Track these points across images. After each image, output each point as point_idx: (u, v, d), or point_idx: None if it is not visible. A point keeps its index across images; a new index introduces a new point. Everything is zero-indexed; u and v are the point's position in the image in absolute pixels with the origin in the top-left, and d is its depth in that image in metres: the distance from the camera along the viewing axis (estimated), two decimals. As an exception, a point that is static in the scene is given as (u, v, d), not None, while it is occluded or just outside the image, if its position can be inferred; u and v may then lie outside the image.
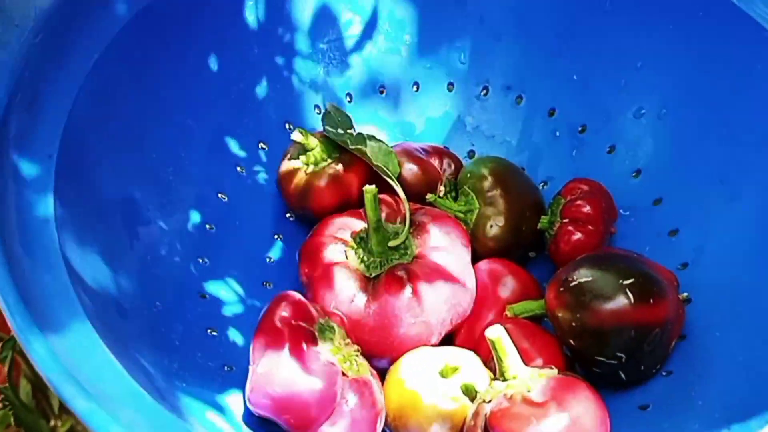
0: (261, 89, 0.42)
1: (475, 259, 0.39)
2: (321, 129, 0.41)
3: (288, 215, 0.42)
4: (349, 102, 0.45)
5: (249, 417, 0.31)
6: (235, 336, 0.35)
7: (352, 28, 0.44)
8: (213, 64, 0.40)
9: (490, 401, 0.29)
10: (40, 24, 0.31)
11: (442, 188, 0.42)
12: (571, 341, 0.33)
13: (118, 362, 0.26)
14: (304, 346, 0.30)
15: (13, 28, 0.31)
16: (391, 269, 0.35)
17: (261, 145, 0.43)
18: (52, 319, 0.26)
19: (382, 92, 0.45)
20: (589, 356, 0.33)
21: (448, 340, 0.37)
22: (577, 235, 0.38)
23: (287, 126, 0.43)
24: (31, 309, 0.25)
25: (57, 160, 0.30)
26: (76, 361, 0.25)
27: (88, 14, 0.33)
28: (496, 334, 0.30)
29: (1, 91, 0.29)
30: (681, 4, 0.38)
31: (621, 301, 0.32)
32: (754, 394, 0.28)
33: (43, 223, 0.28)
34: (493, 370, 0.32)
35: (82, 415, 0.23)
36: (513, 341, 0.32)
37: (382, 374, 0.34)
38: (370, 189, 0.35)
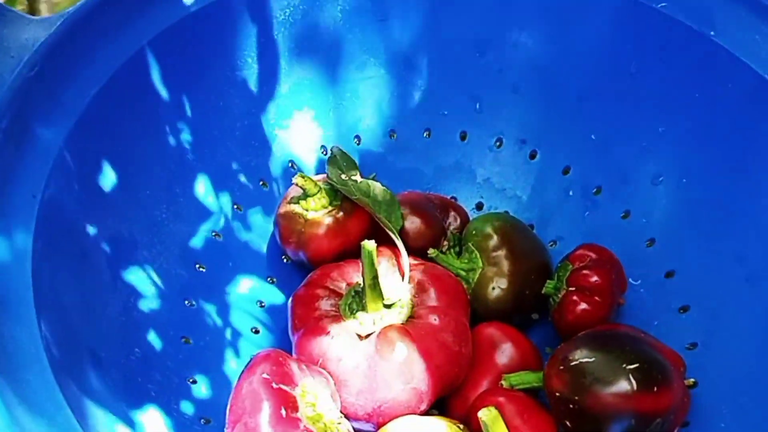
0: (266, 127, 0.41)
1: (475, 319, 0.37)
2: (325, 173, 0.40)
3: (283, 258, 0.41)
4: (358, 144, 0.44)
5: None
6: (216, 386, 0.34)
7: (365, 70, 0.43)
8: (218, 99, 0.39)
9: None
10: (37, 57, 0.30)
11: (446, 243, 0.40)
12: (568, 423, 0.31)
13: (77, 424, 0.24)
14: (283, 412, 0.29)
15: (8, 59, 0.30)
16: (384, 329, 0.34)
17: (261, 183, 0.41)
18: (14, 374, 0.24)
19: (392, 136, 0.44)
20: (586, 441, 0.31)
21: (439, 402, 0.35)
22: (583, 306, 0.36)
23: (291, 166, 0.42)
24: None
25: (41, 201, 0.29)
26: (33, 420, 0.23)
27: (89, 48, 0.32)
28: (489, 415, 0.28)
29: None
30: (709, 73, 0.36)
31: (623, 387, 0.30)
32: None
33: (19, 268, 0.27)
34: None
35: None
36: (506, 416, 0.30)
37: (366, 439, 0.33)
38: (368, 246, 0.33)
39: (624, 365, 0.30)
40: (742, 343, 0.34)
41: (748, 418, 0.31)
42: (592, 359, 0.31)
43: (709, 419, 0.33)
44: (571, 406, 0.31)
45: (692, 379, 0.33)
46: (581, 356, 0.31)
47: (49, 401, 0.24)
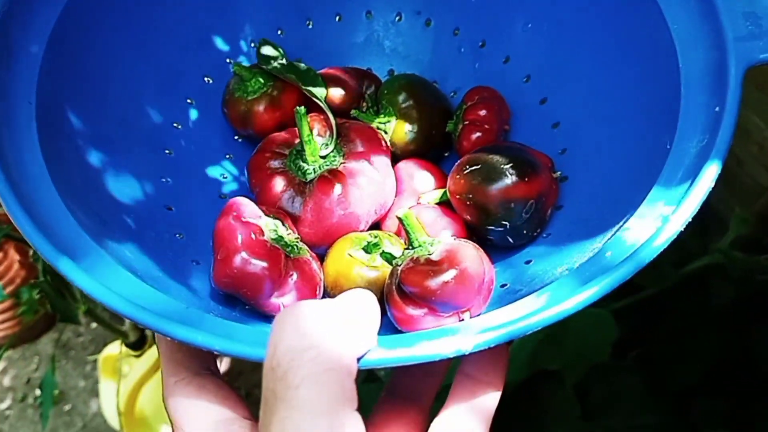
0: (203, 32, 0.49)
1: (395, 161, 0.47)
2: (256, 62, 0.48)
3: (236, 137, 0.50)
4: (281, 35, 0.51)
5: (215, 294, 0.39)
6: (199, 237, 0.43)
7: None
8: (159, 13, 0.46)
9: (401, 265, 0.37)
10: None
11: (364, 105, 0.49)
12: (468, 216, 0.41)
13: (108, 256, 0.34)
14: (253, 236, 0.38)
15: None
16: (322, 173, 0.43)
17: (206, 79, 0.49)
18: (54, 229, 0.33)
19: (308, 24, 0.52)
20: (482, 227, 0.41)
21: (375, 227, 0.45)
22: (476, 134, 0.46)
23: (228, 60, 0.50)
24: (38, 224, 0.33)
25: (36, 106, 0.37)
26: (76, 254, 0.32)
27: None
28: (404, 213, 0.38)
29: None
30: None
31: (503, 182, 0.40)
32: (597, 242, 0.36)
33: (33, 161, 0.35)
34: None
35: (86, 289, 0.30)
36: (423, 219, 0.40)
37: (321, 258, 0.43)
38: (299, 109, 0.42)
39: (502, 166, 0.40)
40: (596, 143, 0.44)
41: (600, 195, 0.41)
42: (479, 165, 0.41)
43: (576, 201, 0.43)
44: (468, 203, 0.41)
45: (559, 173, 0.43)
46: (471, 165, 0.41)
47: (82, 239, 0.33)
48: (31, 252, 1.17)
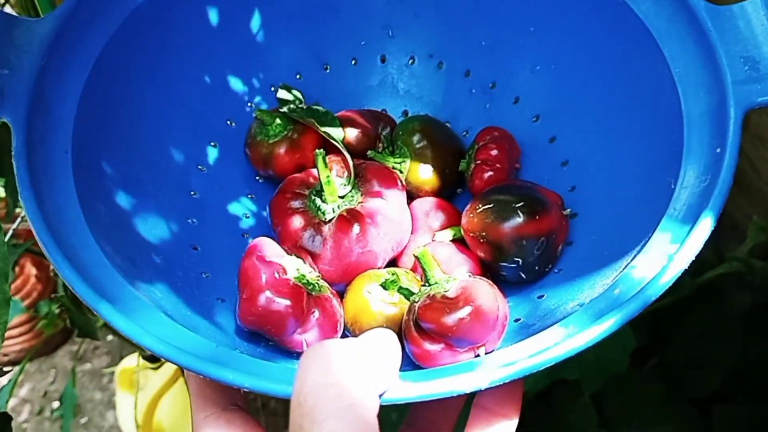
0: (225, 77, 0.51)
1: (411, 200, 0.49)
2: (276, 105, 0.50)
3: (257, 178, 0.52)
4: (300, 79, 0.54)
5: (240, 331, 0.41)
6: (224, 276, 0.44)
7: (296, 19, 0.53)
8: (184, 62, 0.49)
9: (418, 301, 0.39)
10: (44, 48, 0.40)
11: (380, 145, 0.51)
12: (481, 253, 0.43)
13: (140, 295, 0.36)
14: (276, 275, 0.40)
15: (23, 54, 0.40)
16: (341, 214, 0.45)
17: (229, 122, 0.52)
18: (89, 270, 0.35)
19: (326, 69, 0.54)
20: (495, 263, 0.43)
21: (392, 264, 0.47)
22: (488, 173, 0.48)
23: (249, 104, 0.52)
24: (77, 268, 0.35)
25: (72, 154, 0.39)
26: (113, 297, 0.34)
27: (80, 33, 0.42)
28: (421, 251, 0.40)
29: (23, 107, 0.39)
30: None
31: (514, 220, 0.42)
32: (608, 279, 0.38)
33: (70, 207, 0.38)
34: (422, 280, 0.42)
35: (121, 329, 0.32)
36: (441, 257, 0.42)
37: (341, 295, 0.44)
38: (319, 152, 0.44)
39: (514, 205, 0.42)
40: (604, 181, 0.45)
41: (609, 231, 0.43)
42: (492, 204, 0.43)
43: (586, 237, 0.44)
44: (481, 240, 0.43)
45: (569, 210, 0.45)
46: (484, 204, 0.43)
47: (113, 279, 0.35)
48: (51, 267, 1.20)
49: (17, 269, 1.25)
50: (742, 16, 0.39)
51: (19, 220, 0.83)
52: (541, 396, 0.79)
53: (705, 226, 0.34)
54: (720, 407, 0.78)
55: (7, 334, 1.26)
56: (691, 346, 0.82)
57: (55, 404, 1.31)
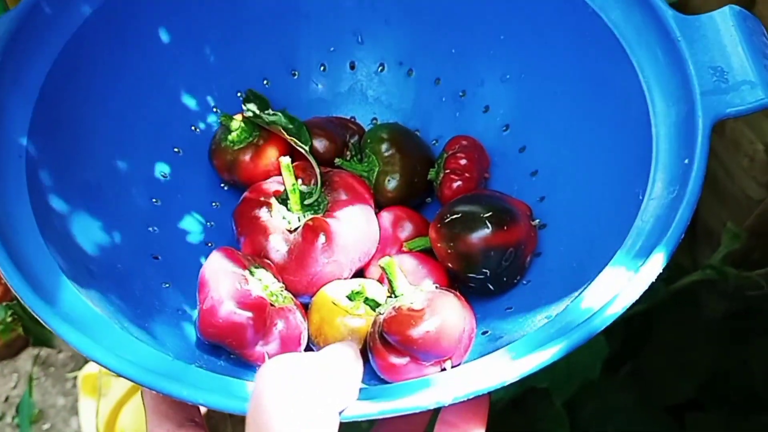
0: (188, 83, 0.50)
1: (378, 208, 0.48)
2: (242, 111, 0.49)
3: (222, 185, 0.50)
4: (266, 85, 0.53)
5: (200, 344, 0.39)
6: (185, 286, 0.43)
7: (263, 22, 0.52)
8: (146, 65, 0.48)
9: (383, 313, 0.38)
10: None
11: (348, 153, 0.50)
12: (449, 264, 0.42)
13: (94, 307, 0.34)
14: (238, 285, 0.39)
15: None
16: (307, 222, 0.44)
17: (193, 128, 0.50)
18: (40, 280, 0.34)
19: (294, 75, 0.53)
20: (463, 274, 0.42)
21: (359, 275, 0.46)
22: (457, 182, 0.47)
23: (214, 110, 0.51)
24: (26, 276, 0.33)
25: (26, 160, 0.38)
26: (63, 307, 0.33)
27: (36, 35, 0.41)
28: (386, 261, 0.39)
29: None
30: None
31: (482, 231, 0.41)
32: (580, 288, 0.37)
33: (22, 214, 0.36)
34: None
35: (77, 346, 0.31)
36: (405, 267, 0.41)
37: (305, 306, 0.43)
38: (284, 160, 0.43)
39: (482, 215, 0.41)
40: (573, 192, 0.45)
41: (578, 242, 0.42)
42: (459, 215, 0.42)
43: (555, 248, 0.44)
44: (449, 251, 0.42)
45: (538, 221, 0.44)
46: (451, 214, 0.42)
47: (68, 292, 0.34)
48: None
49: None
50: (710, 26, 0.39)
51: None
52: (514, 403, 0.78)
53: (672, 238, 0.33)
54: (694, 414, 0.78)
55: None
56: (666, 353, 0.82)
57: (16, 410, 1.28)
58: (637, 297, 0.32)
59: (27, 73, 0.41)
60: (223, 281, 0.39)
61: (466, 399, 0.30)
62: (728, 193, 0.84)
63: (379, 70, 0.54)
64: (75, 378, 1.26)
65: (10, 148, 0.39)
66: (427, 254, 0.45)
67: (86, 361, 1.16)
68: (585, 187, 0.44)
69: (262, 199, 0.46)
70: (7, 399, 1.30)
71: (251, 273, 0.40)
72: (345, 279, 0.44)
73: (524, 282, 0.43)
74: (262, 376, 0.27)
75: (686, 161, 0.36)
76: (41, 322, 0.32)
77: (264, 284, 0.40)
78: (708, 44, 0.39)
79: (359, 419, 0.29)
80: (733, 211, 0.84)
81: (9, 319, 1.15)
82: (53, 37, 0.43)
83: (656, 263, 0.32)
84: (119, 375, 0.31)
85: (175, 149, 0.49)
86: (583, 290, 0.36)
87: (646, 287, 0.32)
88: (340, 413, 0.29)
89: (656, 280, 0.33)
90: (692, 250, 0.85)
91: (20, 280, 0.33)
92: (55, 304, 0.33)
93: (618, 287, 0.34)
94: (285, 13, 0.52)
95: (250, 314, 0.38)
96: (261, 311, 0.39)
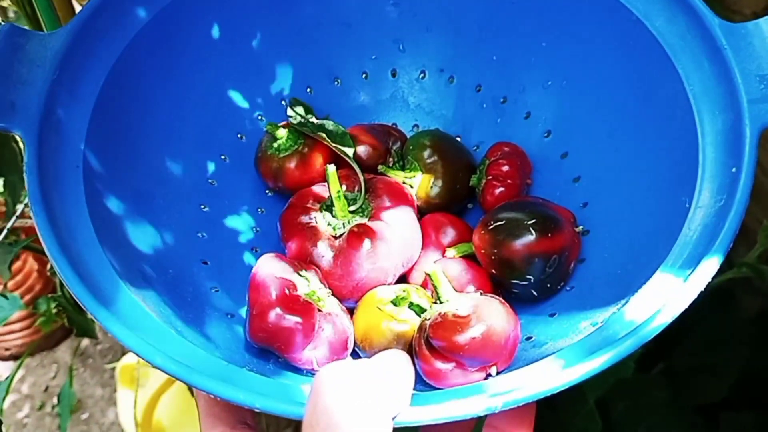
0: (235, 91, 0.51)
1: (421, 214, 0.49)
2: (287, 120, 0.50)
3: (267, 192, 0.52)
4: (310, 93, 0.54)
5: (249, 347, 0.40)
6: (233, 291, 0.44)
7: (312, 33, 0.52)
8: (195, 75, 0.49)
9: (429, 319, 0.39)
10: (56, 63, 0.40)
11: (390, 160, 0.51)
12: (493, 270, 0.43)
13: (149, 311, 0.35)
14: (287, 291, 0.40)
15: (35, 68, 0.40)
16: (351, 228, 0.45)
17: (240, 136, 0.51)
18: (99, 285, 0.35)
19: (336, 83, 0.54)
20: (507, 281, 0.42)
21: (402, 280, 0.46)
22: (500, 189, 0.47)
23: (259, 118, 0.52)
24: (86, 283, 0.35)
25: (83, 170, 0.39)
26: (121, 312, 0.34)
27: (92, 47, 0.42)
28: (432, 269, 0.39)
29: (35, 121, 0.39)
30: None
31: (526, 237, 0.41)
32: (625, 296, 0.38)
33: (81, 222, 0.38)
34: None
35: (127, 344, 0.32)
36: (450, 273, 0.42)
37: (351, 311, 0.44)
38: (330, 167, 0.44)
39: (526, 222, 0.42)
40: (617, 198, 0.45)
41: (622, 249, 0.42)
42: (504, 221, 0.42)
43: (599, 254, 0.44)
44: (493, 258, 0.42)
45: (581, 227, 0.45)
46: (495, 221, 0.42)
47: (124, 295, 0.35)
48: (49, 264, 1.21)
49: (19, 264, 1.25)
50: (757, 34, 0.39)
51: (14, 218, 0.83)
52: (547, 400, 0.78)
53: (719, 249, 0.33)
54: (727, 414, 0.77)
55: (8, 328, 1.27)
56: (699, 352, 0.81)
57: (56, 400, 1.31)
58: (685, 307, 0.32)
59: (84, 86, 0.42)
60: (272, 286, 0.40)
61: (515, 406, 0.30)
62: (765, 191, 0.83)
63: (421, 77, 0.54)
64: (113, 369, 1.28)
65: (69, 159, 0.40)
66: (470, 260, 0.45)
67: (124, 352, 1.18)
68: (629, 194, 0.44)
69: (307, 205, 0.47)
70: (47, 389, 1.33)
71: (299, 278, 0.41)
72: (389, 284, 0.45)
73: (568, 288, 0.43)
74: (319, 382, 0.28)
75: (734, 170, 0.36)
76: (86, 313, 0.33)
77: (311, 290, 0.41)
78: (754, 52, 0.38)
79: (410, 424, 0.30)
80: (769, 209, 0.82)
81: (54, 311, 1.19)
82: (108, 49, 0.44)
83: (705, 273, 0.33)
84: (177, 379, 0.32)
85: (222, 156, 0.50)
86: (629, 298, 0.36)
87: (695, 297, 0.32)
88: (393, 418, 0.29)
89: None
90: (728, 249, 0.83)
91: (81, 287, 0.34)
92: (114, 309, 0.34)
93: (666, 296, 0.34)
94: (327, 22, 0.53)
95: (298, 319, 0.39)
96: (309, 316, 0.40)
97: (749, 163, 0.35)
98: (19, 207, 0.84)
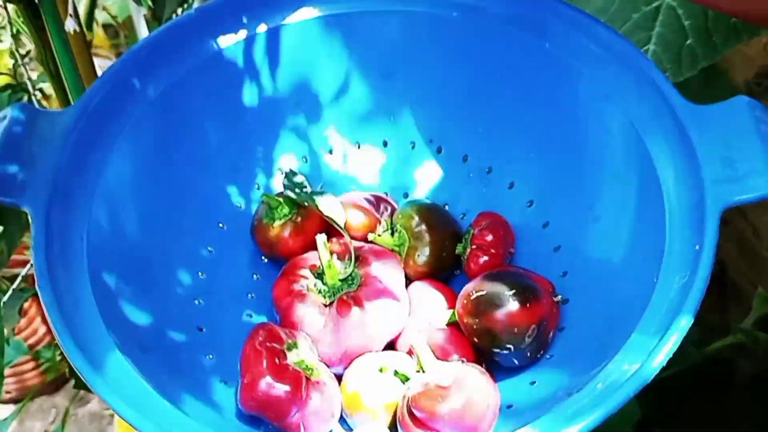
0: (234, 163, 0.54)
1: (409, 281, 0.51)
2: (282, 189, 0.53)
3: (263, 258, 0.54)
4: (305, 162, 0.56)
5: (240, 414, 0.42)
6: (227, 358, 0.46)
7: (299, 107, 0.56)
8: (199, 146, 0.52)
9: (412, 388, 0.41)
10: (68, 142, 0.43)
11: (380, 228, 0.53)
12: (475, 339, 0.45)
13: (144, 381, 0.37)
14: (277, 360, 0.42)
15: (45, 146, 0.43)
16: (341, 297, 0.47)
17: (237, 205, 0.54)
18: (98, 357, 0.37)
19: (331, 152, 0.57)
20: (488, 349, 0.44)
21: (390, 346, 0.48)
22: (483, 258, 0.49)
23: (257, 187, 0.55)
24: (83, 349, 0.37)
25: (87, 244, 0.42)
26: (114, 381, 0.36)
27: (103, 129, 0.45)
28: (415, 340, 0.41)
29: (43, 199, 0.41)
30: (547, 74, 0.50)
31: (507, 308, 0.43)
32: (600, 365, 0.39)
33: (84, 296, 0.40)
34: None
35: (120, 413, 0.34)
36: (436, 342, 0.44)
37: (339, 378, 0.46)
38: (320, 237, 0.46)
39: (506, 293, 0.44)
40: (594, 271, 0.47)
41: (596, 316, 0.44)
42: (485, 292, 0.44)
43: (577, 323, 0.46)
44: (474, 327, 0.44)
45: (560, 296, 0.46)
46: (477, 291, 0.45)
47: (121, 367, 0.37)
48: None
49: (24, 307, 1.28)
50: (720, 116, 0.41)
51: (29, 265, 0.85)
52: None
53: (683, 321, 0.35)
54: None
55: (11, 372, 1.28)
56: (698, 418, 0.81)
57: (54, 445, 1.32)
58: (649, 380, 0.34)
59: (92, 166, 0.45)
60: (263, 356, 0.42)
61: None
62: (757, 253, 0.85)
63: (411, 147, 0.57)
64: (112, 415, 1.29)
65: (75, 230, 0.42)
66: (454, 327, 0.47)
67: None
68: (604, 265, 0.46)
69: (299, 273, 0.49)
70: (44, 434, 1.34)
71: (288, 348, 0.43)
72: (377, 351, 0.47)
73: (548, 356, 0.45)
74: None
75: (697, 247, 0.38)
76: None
77: (300, 359, 0.43)
78: (718, 133, 0.41)
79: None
80: (763, 271, 0.84)
81: (58, 359, 1.20)
82: (117, 126, 0.47)
83: (666, 349, 0.34)
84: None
85: (220, 224, 0.53)
86: (603, 367, 0.38)
87: (657, 372, 0.34)
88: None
89: (687, 343, 0.35)
90: (722, 309, 0.85)
91: (80, 358, 0.36)
92: (110, 380, 0.36)
93: (632, 369, 0.36)
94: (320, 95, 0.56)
95: (287, 388, 0.41)
96: (298, 384, 0.42)
97: (710, 240, 0.37)
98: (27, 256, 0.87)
